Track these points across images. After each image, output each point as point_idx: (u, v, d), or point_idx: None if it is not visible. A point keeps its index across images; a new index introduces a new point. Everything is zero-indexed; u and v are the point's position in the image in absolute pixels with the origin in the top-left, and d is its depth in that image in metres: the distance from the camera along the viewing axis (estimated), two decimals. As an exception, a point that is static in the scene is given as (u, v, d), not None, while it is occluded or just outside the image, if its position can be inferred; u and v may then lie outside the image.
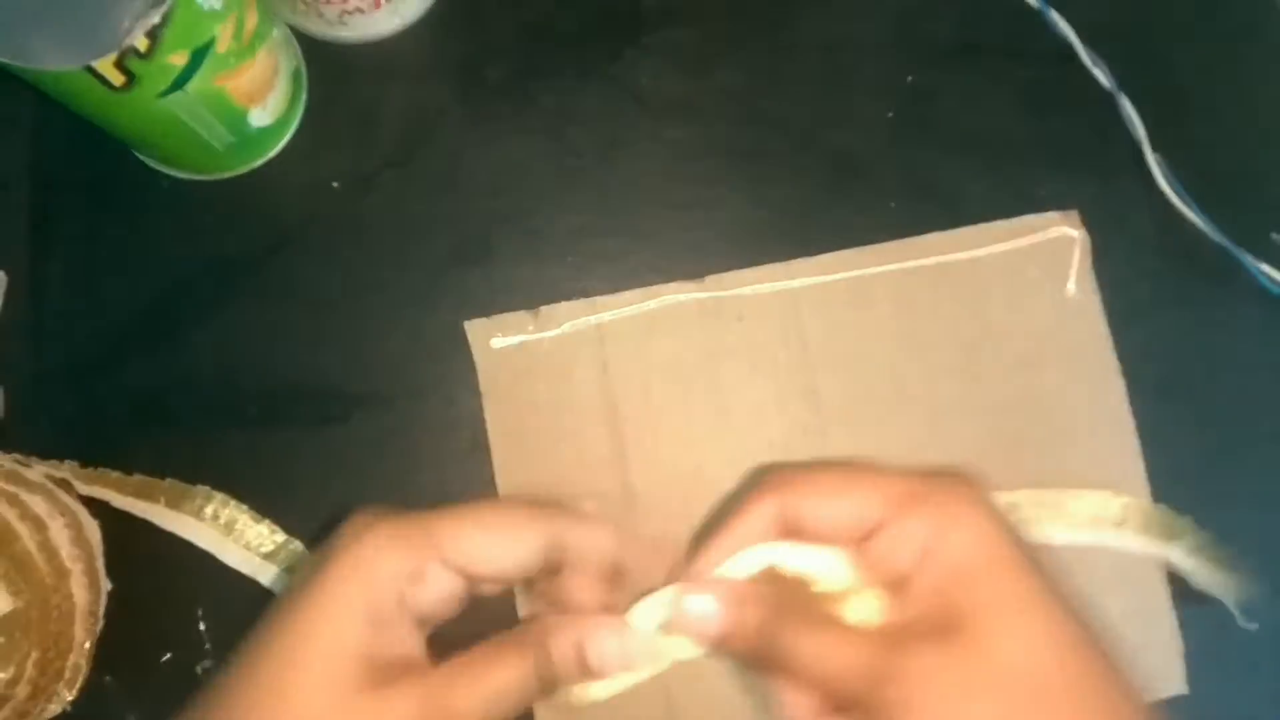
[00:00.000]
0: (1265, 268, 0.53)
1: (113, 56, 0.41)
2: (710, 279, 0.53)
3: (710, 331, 0.53)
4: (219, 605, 0.51)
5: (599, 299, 0.53)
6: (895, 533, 0.39)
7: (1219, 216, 0.53)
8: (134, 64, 0.42)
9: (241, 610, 0.50)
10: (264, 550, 0.51)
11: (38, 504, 0.50)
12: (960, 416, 0.52)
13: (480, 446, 0.52)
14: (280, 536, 0.51)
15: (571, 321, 0.53)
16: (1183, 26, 0.57)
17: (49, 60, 0.41)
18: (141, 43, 0.41)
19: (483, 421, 0.52)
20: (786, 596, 0.41)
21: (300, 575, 0.39)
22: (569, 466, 0.52)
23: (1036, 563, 0.38)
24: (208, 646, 0.51)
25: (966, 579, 0.37)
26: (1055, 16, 0.55)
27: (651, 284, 0.53)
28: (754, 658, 0.40)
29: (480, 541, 0.39)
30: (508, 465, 0.52)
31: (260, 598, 0.51)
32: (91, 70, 0.41)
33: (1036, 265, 0.54)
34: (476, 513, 0.39)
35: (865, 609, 0.41)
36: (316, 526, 0.52)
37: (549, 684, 0.38)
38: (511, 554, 0.39)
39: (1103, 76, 0.55)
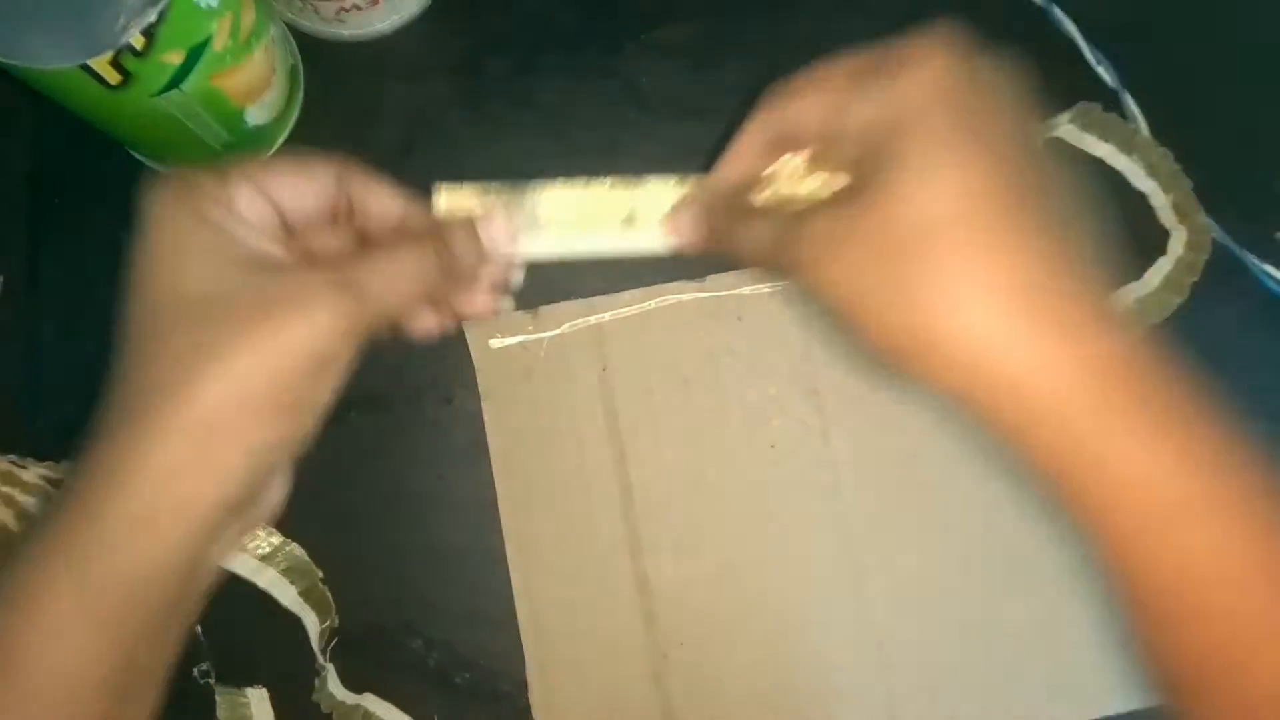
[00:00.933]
0: (1269, 267, 0.53)
1: (109, 55, 0.41)
2: (710, 279, 0.53)
3: (710, 331, 0.53)
4: (215, 608, 0.50)
5: (598, 299, 0.53)
6: (850, 107, 0.37)
7: (1223, 215, 0.53)
8: (130, 62, 0.42)
9: (238, 613, 0.51)
10: (260, 553, 0.51)
11: (33, 506, 0.49)
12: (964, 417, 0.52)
13: (479, 446, 0.52)
14: (277, 538, 0.51)
15: (571, 322, 0.53)
16: (1187, 24, 0.57)
17: (45, 58, 0.41)
18: (137, 41, 0.41)
19: (481, 421, 0.52)
20: (736, 202, 0.41)
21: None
22: (569, 466, 0.52)
23: (979, 110, 0.35)
24: (205, 650, 0.51)
25: (887, 134, 0.34)
26: (1059, 14, 0.55)
27: (651, 284, 0.53)
28: (710, 251, 0.42)
29: (264, 172, 0.37)
30: (507, 465, 0.52)
31: (257, 600, 0.51)
32: (87, 69, 0.41)
33: None
34: (258, 161, 0.38)
35: (814, 190, 0.41)
36: (315, 527, 0.52)
37: (447, 265, 0.38)
38: (302, 186, 0.38)
39: (1106, 74, 0.55)
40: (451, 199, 0.43)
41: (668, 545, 0.51)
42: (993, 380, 0.33)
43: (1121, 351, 0.33)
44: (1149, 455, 0.32)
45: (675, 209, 0.43)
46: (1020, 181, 0.34)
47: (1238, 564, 0.32)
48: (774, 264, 0.38)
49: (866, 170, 0.35)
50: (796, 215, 0.36)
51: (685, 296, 0.53)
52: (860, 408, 0.53)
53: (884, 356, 0.35)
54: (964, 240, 0.33)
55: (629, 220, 0.44)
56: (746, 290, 0.53)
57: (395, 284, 0.36)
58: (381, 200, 0.40)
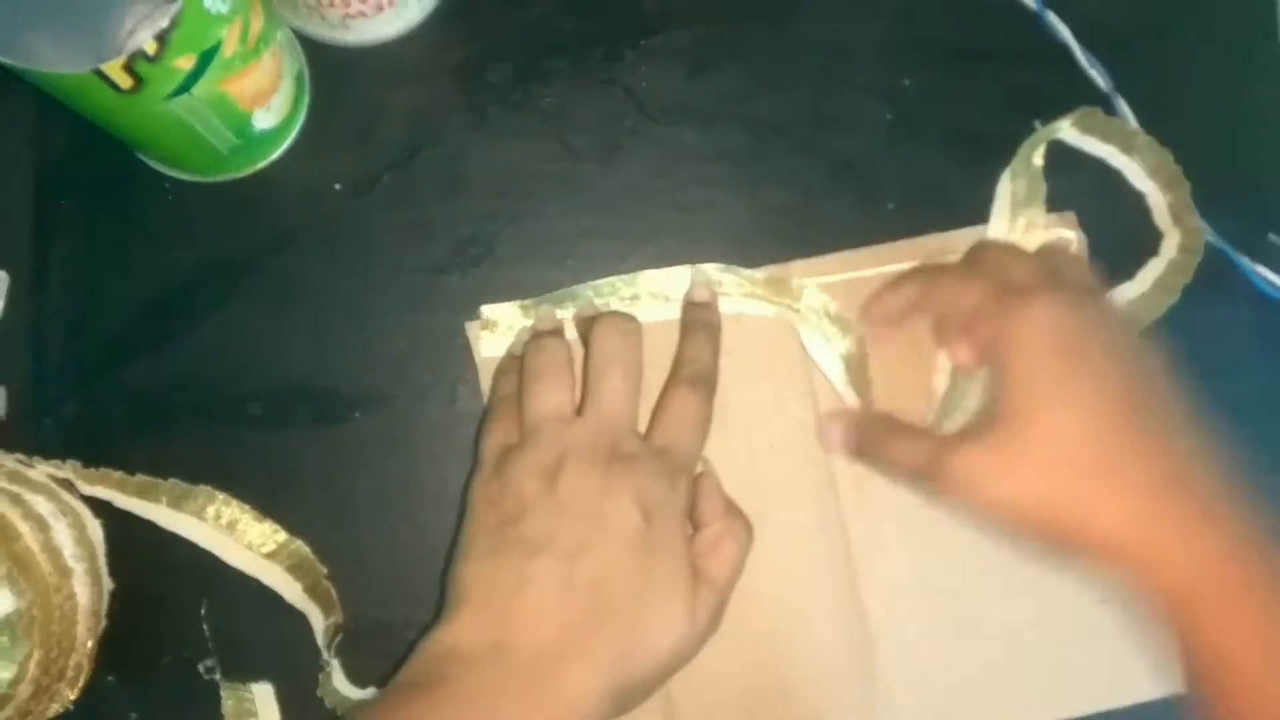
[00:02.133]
0: (1262, 270, 0.53)
1: (122, 60, 0.41)
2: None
3: None
4: (221, 605, 0.51)
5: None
6: (973, 336, 0.47)
7: (1216, 219, 0.54)
8: (142, 67, 0.42)
9: (244, 610, 0.51)
10: (266, 550, 0.51)
11: (40, 504, 0.50)
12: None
13: (482, 446, 0.53)
14: (282, 536, 0.51)
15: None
16: (1180, 28, 0.57)
17: (56, 63, 0.41)
18: (150, 46, 0.41)
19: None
20: (885, 414, 0.51)
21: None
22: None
23: (1089, 352, 0.43)
24: (210, 646, 0.51)
25: (1013, 374, 0.43)
26: (1053, 18, 0.56)
27: (652, 285, 0.54)
28: (860, 459, 0.51)
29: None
30: None
31: (262, 597, 0.51)
32: (100, 73, 0.41)
33: None
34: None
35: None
36: (320, 525, 0.52)
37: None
38: None
39: (1100, 78, 0.55)
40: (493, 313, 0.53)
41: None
42: (1130, 567, 0.41)
43: (1235, 538, 0.41)
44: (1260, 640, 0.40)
45: (828, 418, 0.52)
46: (1131, 404, 0.42)
47: None
48: (925, 482, 0.45)
49: (998, 394, 0.43)
50: (944, 442, 0.44)
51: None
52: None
53: (1043, 547, 0.44)
54: (1092, 460, 0.41)
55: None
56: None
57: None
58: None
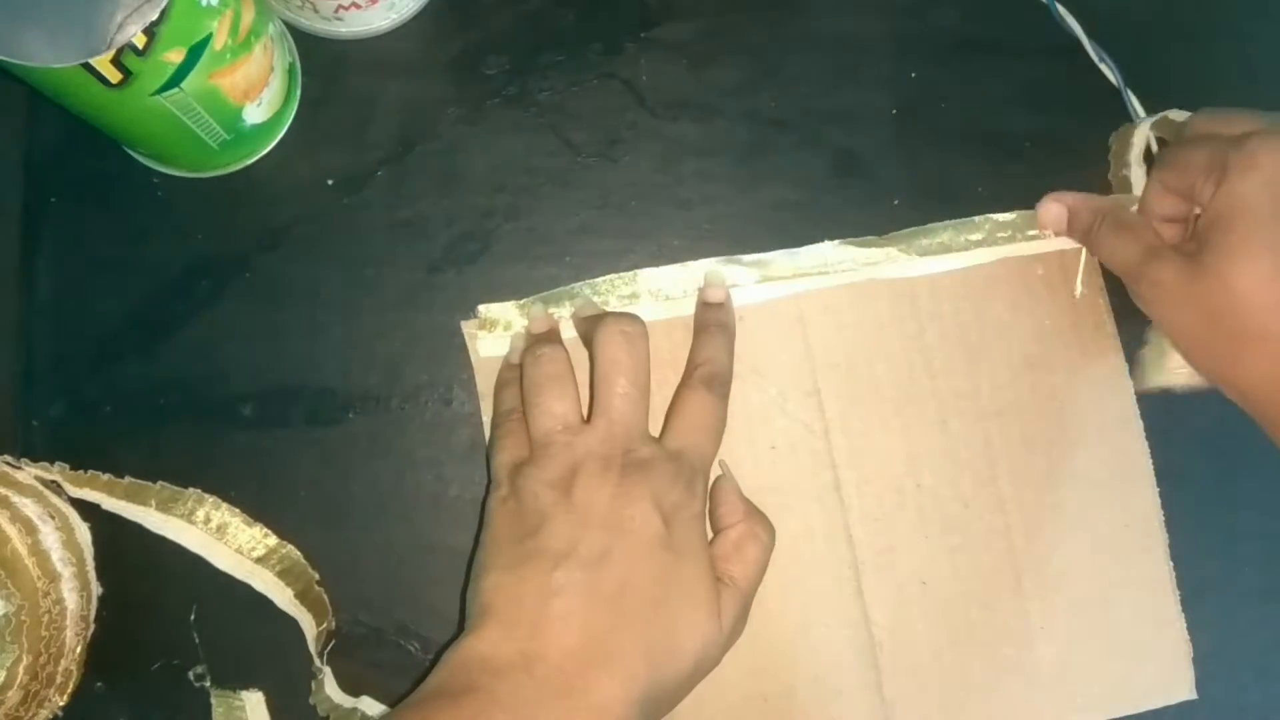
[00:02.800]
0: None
1: (111, 54, 0.41)
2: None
3: None
4: (211, 610, 0.51)
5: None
6: (1201, 188, 0.47)
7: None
8: (131, 61, 0.41)
9: (233, 615, 0.51)
10: (256, 554, 0.51)
11: (28, 506, 0.49)
12: (966, 418, 0.52)
13: (477, 447, 0.52)
14: (273, 540, 0.51)
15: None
16: (1189, 23, 0.57)
17: (46, 57, 0.41)
18: (139, 39, 0.41)
19: (480, 422, 0.52)
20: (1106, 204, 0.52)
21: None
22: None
23: None
24: (200, 652, 0.51)
25: (1223, 221, 0.45)
26: (1061, 11, 0.55)
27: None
28: (1080, 240, 0.53)
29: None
30: None
31: (253, 602, 0.51)
32: (89, 67, 0.41)
33: (1043, 265, 0.53)
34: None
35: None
36: (313, 527, 0.51)
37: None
38: None
39: (1110, 72, 0.55)
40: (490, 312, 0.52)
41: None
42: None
43: None
44: None
45: (1050, 197, 0.53)
46: None
47: None
48: (1124, 278, 0.49)
49: (1205, 238, 0.45)
50: (1151, 251, 0.47)
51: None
52: (861, 409, 0.52)
53: (1202, 374, 0.48)
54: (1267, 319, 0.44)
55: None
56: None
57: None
58: None
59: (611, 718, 0.42)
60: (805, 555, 0.51)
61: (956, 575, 0.51)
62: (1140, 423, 0.52)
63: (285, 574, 0.50)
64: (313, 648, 0.50)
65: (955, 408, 0.52)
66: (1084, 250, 0.53)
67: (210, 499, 0.51)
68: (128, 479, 0.50)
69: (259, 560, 0.51)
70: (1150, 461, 0.52)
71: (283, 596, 0.51)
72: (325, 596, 0.51)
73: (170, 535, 0.50)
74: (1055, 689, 0.51)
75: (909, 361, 0.53)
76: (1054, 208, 0.53)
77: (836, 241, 0.53)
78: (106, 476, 0.51)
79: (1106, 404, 0.53)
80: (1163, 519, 0.52)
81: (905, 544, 0.52)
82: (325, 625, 0.50)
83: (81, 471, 0.51)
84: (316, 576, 0.51)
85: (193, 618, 0.51)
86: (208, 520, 0.50)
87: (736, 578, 0.46)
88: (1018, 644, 0.51)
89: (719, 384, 0.49)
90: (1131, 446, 0.52)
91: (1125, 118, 0.54)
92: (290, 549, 0.51)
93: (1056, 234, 0.53)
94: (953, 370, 0.53)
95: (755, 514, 0.49)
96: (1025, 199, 0.54)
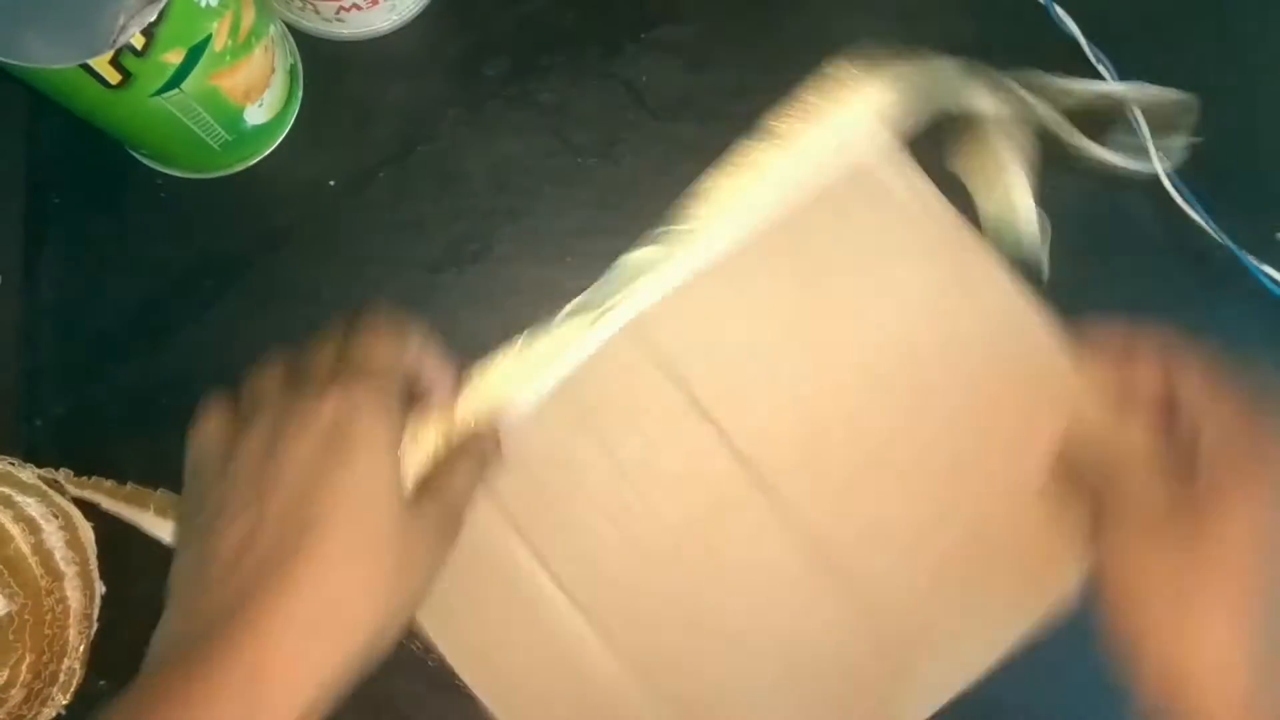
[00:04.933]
0: (1268, 269, 0.53)
1: (109, 54, 0.41)
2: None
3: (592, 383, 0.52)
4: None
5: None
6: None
7: (1223, 217, 0.53)
8: (130, 62, 0.42)
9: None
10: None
11: (31, 506, 0.49)
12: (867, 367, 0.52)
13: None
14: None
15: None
16: (1188, 24, 0.57)
17: (45, 58, 0.41)
18: (138, 40, 0.41)
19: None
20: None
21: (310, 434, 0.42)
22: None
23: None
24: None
25: (1213, 466, 0.44)
26: (1060, 13, 0.55)
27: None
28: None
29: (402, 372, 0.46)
30: None
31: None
32: (87, 68, 0.41)
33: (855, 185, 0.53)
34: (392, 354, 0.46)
35: None
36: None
37: (485, 466, 0.49)
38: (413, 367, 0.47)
39: (1107, 73, 0.54)
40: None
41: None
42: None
43: None
44: None
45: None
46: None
47: None
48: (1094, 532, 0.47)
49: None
50: (1144, 533, 0.44)
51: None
52: (746, 391, 0.52)
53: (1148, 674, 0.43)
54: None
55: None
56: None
57: (473, 487, 0.48)
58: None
59: (295, 683, 0.38)
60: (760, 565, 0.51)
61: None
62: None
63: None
64: None
65: (850, 360, 0.52)
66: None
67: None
68: (129, 486, 0.51)
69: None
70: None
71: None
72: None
73: (166, 539, 0.51)
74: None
75: (772, 335, 0.52)
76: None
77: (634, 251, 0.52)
78: (109, 483, 0.51)
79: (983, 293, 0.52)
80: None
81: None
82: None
83: (85, 478, 0.51)
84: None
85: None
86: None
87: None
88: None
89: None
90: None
91: (1122, 118, 0.54)
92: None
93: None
94: (830, 326, 0.52)
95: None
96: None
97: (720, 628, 0.51)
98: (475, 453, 0.48)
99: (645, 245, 0.52)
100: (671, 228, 0.52)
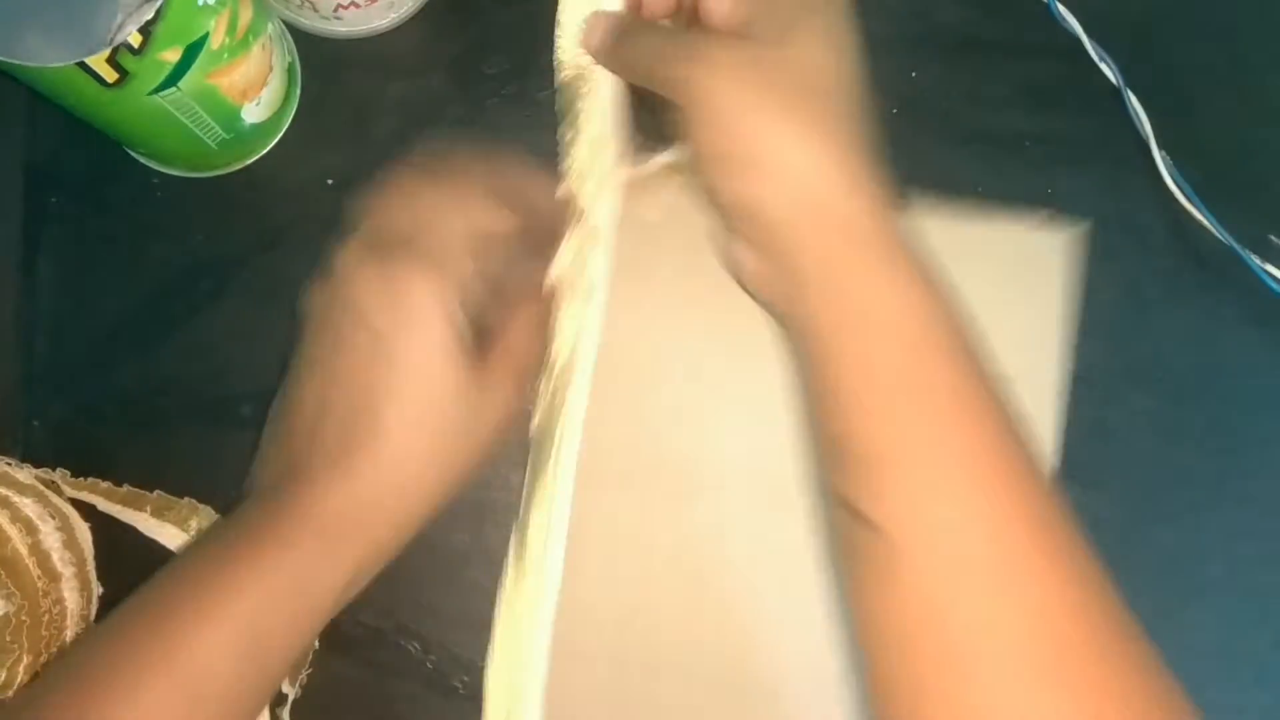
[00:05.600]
0: (1270, 268, 0.53)
1: (106, 53, 0.41)
2: None
3: None
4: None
5: None
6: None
7: (1225, 216, 0.53)
8: (127, 60, 0.42)
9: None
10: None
11: (28, 506, 0.49)
12: None
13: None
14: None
15: None
16: (1191, 23, 0.56)
17: (42, 57, 0.41)
18: (135, 39, 0.41)
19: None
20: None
21: (363, 308, 0.44)
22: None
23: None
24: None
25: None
26: (1062, 11, 0.55)
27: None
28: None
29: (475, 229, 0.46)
30: None
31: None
32: (85, 66, 0.41)
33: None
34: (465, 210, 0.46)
35: None
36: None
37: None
38: (497, 220, 0.47)
39: (1110, 73, 0.54)
40: None
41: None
42: (794, 197, 0.42)
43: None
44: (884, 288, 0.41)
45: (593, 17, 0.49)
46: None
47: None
48: (664, 64, 0.45)
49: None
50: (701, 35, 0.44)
51: None
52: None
53: (716, 161, 0.43)
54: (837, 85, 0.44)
55: None
56: None
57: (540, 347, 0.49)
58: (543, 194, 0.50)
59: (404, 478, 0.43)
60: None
61: None
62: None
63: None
64: None
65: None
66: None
67: (204, 509, 0.51)
68: (125, 488, 0.51)
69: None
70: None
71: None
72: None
73: (164, 541, 0.50)
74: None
75: None
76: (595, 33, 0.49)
77: None
78: (105, 484, 0.51)
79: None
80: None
81: None
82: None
83: (81, 479, 0.51)
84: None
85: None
86: (200, 529, 0.50)
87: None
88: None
89: None
90: None
91: (1125, 116, 0.54)
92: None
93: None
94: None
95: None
96: (1026, 198, 0.53)
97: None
98: (538, 314, 0.49)
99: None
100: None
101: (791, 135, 0.41)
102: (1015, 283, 0.52)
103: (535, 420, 0.51)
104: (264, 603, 0.41)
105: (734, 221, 0.44)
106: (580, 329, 0.49)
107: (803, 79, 0.42)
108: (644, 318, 0.52)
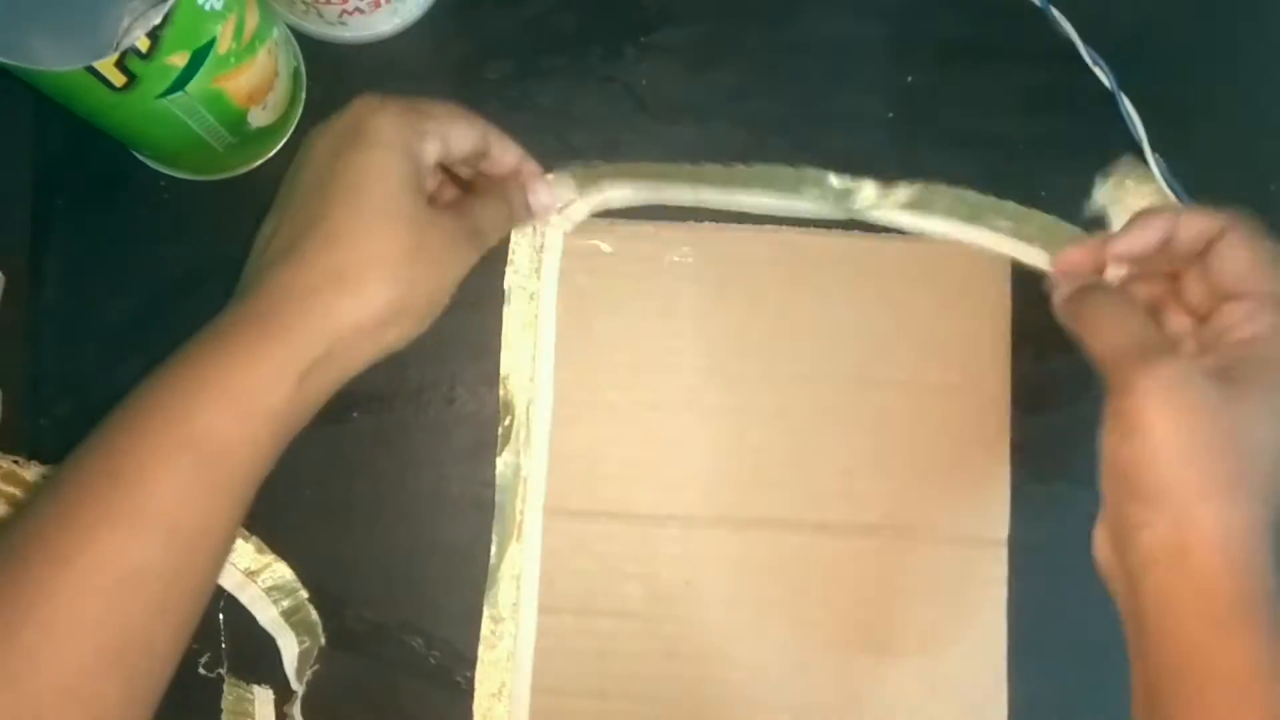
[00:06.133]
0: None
1: (114, 57, 0.41)
2: None
3: None
4: (210, 609, 0.51)
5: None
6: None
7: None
8: (134, 64, 0.42)
9: (231, 615, 0.51)
10: (244, 567, 0.51)
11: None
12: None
13: (481, 446, 0.52)
14: (266, 556, 0.52)
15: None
16: (1184, 26, 0.57)
17: (50, 60, 0.41)
18: (142, 43, 0.41)
19: (481, 421, 0.53)
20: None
21: (332, 134, 0.46)
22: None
23: None
24: (197, 650, 0.51)
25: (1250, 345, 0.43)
26: (1057, 15, 0.55)
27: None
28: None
29: (450, 121, 0.48)
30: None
31: (244, 608, 0.52)
32: (92, 70, 0.41)
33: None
34: (445, 107, 0.48)
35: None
36: (316, 525, 0.52)
37: (516, 219, 0.52)
38: (468, 137, 0.49)
39: (1104, 76, 0.55)
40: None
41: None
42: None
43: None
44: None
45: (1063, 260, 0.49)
46: None
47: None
48: (1110, 357, 0.43)
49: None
50: (1157, 347, 0.42)
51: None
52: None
53: (1121, 471, 0.41)
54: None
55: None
56: None
57: (500, 227, 0.50)
58: (508, 152, 0.51)
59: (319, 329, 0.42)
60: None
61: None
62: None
63: (272, 590, 0.51)
64: (290, 667, 0.51)
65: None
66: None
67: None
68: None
69: (249, 573, 0.51)
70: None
71: (266, 615, 0.51)
72: (314, 615, 0.52)
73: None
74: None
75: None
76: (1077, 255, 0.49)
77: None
78: None
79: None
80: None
81: None
82: (306, 645, 0.51)
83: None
84: (306, 595, 0.52)
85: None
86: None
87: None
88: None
89: None
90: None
91: (1119, 119, 0.55)
92: (281, 566, 0.52)
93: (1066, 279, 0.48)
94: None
95: None
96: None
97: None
98: (505, 197, 0.51)
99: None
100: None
101: (1204, 503, 0.39)
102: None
103: (500, 459, 0.52)
104: (212, 411, 0.40)
105: (1108, 513, 0.43)
106: (535, 352, 0.53)
107: (1249, 446, 0.40)
108: (600, 345, 0.54)
